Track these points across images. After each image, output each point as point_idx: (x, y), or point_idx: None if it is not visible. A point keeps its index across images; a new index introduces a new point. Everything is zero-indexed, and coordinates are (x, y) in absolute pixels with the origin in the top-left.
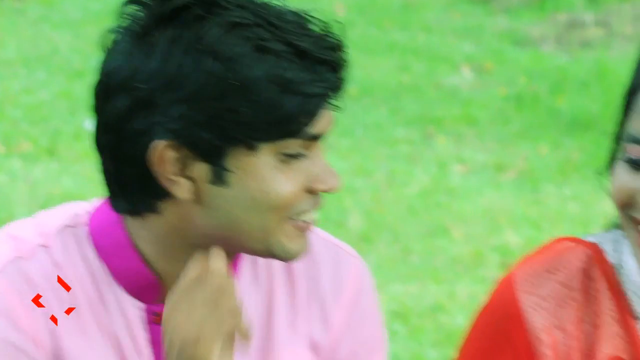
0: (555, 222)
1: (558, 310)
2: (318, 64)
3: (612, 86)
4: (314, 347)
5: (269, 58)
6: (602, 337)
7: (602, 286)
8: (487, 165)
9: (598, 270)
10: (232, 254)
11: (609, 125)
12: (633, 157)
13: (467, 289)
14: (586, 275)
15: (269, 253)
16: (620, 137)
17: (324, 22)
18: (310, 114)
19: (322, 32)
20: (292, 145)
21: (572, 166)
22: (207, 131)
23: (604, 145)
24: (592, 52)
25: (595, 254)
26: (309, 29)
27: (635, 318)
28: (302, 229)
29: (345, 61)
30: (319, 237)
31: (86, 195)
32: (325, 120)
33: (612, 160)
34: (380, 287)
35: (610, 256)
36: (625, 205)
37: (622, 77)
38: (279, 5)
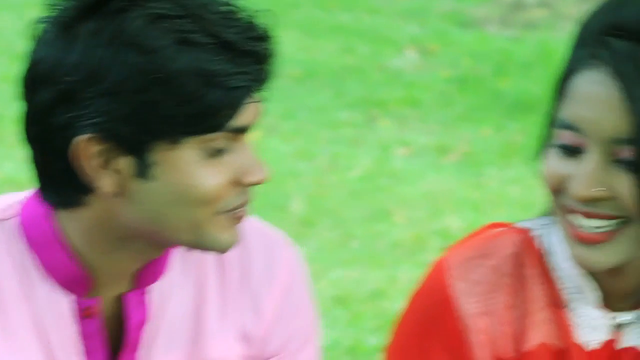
0: (497, 205)
1: (489, 296)
2: (243, 55)
3: (556, 68)
4: (245, 338)
5: (192, 50)
6: (532, 323)
7: (532, 272)
8: (430, 148)
9: (529, 256)
10: (162, 246)
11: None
12: (564, 143)
13: (408, 274)
14: (517, 261)
15: (199, 246)
16: (553, 122)
17: (251, 11)
18: (234, 107)
19: (248, 23)
20: (217, 138)
21: (515, 149)
22: (130, 125)
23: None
24: (536, 33)
25: (527, 239)
26: (235, 20)
27: (565, 304)
28: (234, 221)
29: (272, 51)
30: (252, 225)
31: (28, 180)
32: (250, 112)
33: (544, 146)
34: (321, 272)
35: (542, 242)
36: (556, 191)
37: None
38: None
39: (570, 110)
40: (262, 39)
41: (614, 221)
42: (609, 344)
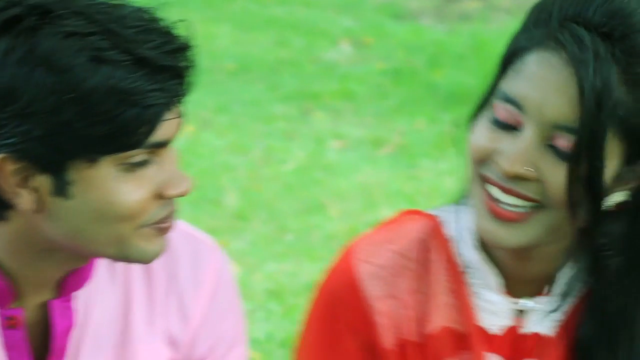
0: (431, 197)
1: (394, 279)
2: (159, 71)
3: (489, 59)
4: (173, 342)
5: (106, 68)
6: (435, 307)
7: (438, 257)
8: (364, 140)
9: (434, 242)
10: (86, 257)
11: None
12: (501, 116)
13: None
14: (424, 247)
15: (124, 258)
16: (490, 94)
17: (169, 23)
18: (151, 125)
19: (165, 36)
20: (136, 154)
21: (448, 140)
22: (45, 145)
23: None
24: (469, 25)
25: (434, 226)
26: (152, 33)
27: (468, 289)
28: (159, 232)
29: (190, 64)
30: (178, 229)
31: None
32: (169, 127)
33: (475, 117)
34: (255, 266)
35: (449, 228)
36: (480, 161)
37: (499, 51)
38: (122, 7)
39: (515, 86)
40: (179, 52)
41: (529, 203)
42: (511, 330)
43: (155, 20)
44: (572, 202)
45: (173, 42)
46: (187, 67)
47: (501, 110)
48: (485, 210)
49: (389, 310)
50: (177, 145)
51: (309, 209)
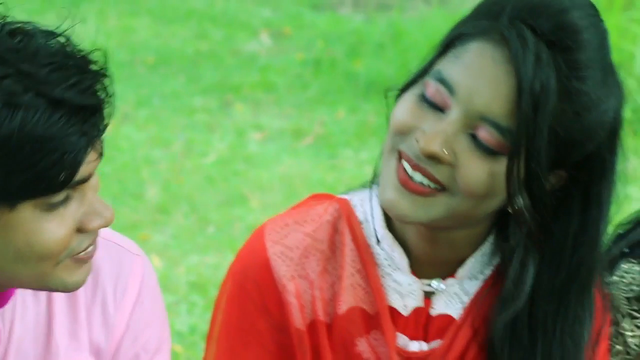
0: (352, 186)
1: (303, 260)
2: (77, 112)
3: (407, 48)
4: (97, 352)
5: (21, 114)
6: (344, 288)
7: (347, 239)
8: (285, 131)
9: (345, 224)
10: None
11: None
12: (431, 95)
13: None
14: (334, 229)
15: (47, 289)
16: (424, 72)
17: (83, 53)
18: (72, 169)
19: (80, 70)
20: (56, 195)
21: (369, 130)
22: None
23: None
24: (388, 14)
25: (345, 208)
26: (66, 69)
27: (377, 270)
28: (81, 262)
29: (108, 95)
30: (102, 237)
31: None
32: (90, 163)
33: (403, 91)
34: (178, 258)
35: (359, 211)
36: (400, 134)
37: (417, 39)
38: (32, 40)
39: (451, 69)
40: (95, 86)
41: (436, 185)
42: (419, 310)
43: (68, 52)
44: (509, 195)
45: (88, 77)
46: (104, 102)
47: (432, 88)
48: (394, 180)
49: (299, 291)
50: None
51: (230, 200)
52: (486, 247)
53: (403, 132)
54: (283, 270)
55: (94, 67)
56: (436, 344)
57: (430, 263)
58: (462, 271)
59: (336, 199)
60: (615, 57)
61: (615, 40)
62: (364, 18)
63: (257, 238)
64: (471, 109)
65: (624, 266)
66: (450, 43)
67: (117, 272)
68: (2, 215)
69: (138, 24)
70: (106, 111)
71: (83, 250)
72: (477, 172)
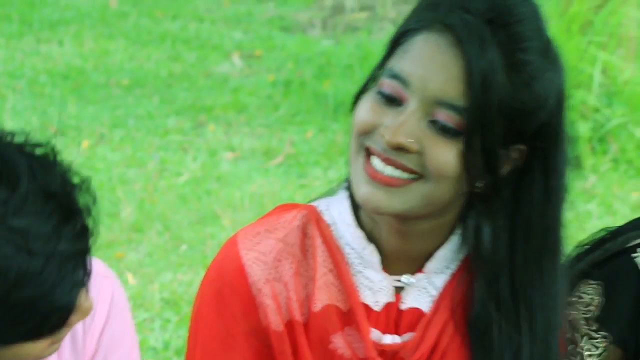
0: None
1: (276, 264)
2: (66, 262)
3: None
4: None
5: (14, 274)
6: (317, 287)
7: (317, 241)
8: (256, 151)
9: (314, 228)
10: None
11: None
12: (387, 91)
13: None
14: (303, 233)
15: None
16: (377, 73)
17: (68, 190)
18: (63, 318)
19: (68, 211)
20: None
21: (337, 149)
22: None
23: None
24: (356, 36)
25: (313, 214)
26: (55, 215)
27: (348, 268)
28: (56, 345)
29: (94, 228)
30: None
31: None
32: (81, 305)
33: (360, 94)
34: (152, 276)
35: (326, 215)
36: (364, 133)
37: None
38: (21, 183)
39: (402, 64)
40: (83, 228)
41: (408, 174)
42: (390, 305)
43: (54, 192)
44: (468, 175)
45: (77, 221)
46: (92, 236)
47: (387, 85)
48: (365, 176)
49: (275, 293)
50: (74, 159)
51: (203, 219)
52: (453, 241)
53: (367, 131)
54: (258, 274)
55: (81, 202)
56: (408, 336)
57: (401, 259)
58: (430, 265)
59: (303, 206)
60: (575, 78)
61: (574, 62)
62: (332, 40)
63: (231, 247)
64: (427, 96)
65: (583, 287)
66: (397, 42)
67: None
68: None
69: (113, 47)
70: (91, 241)
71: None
72: (445, 154)
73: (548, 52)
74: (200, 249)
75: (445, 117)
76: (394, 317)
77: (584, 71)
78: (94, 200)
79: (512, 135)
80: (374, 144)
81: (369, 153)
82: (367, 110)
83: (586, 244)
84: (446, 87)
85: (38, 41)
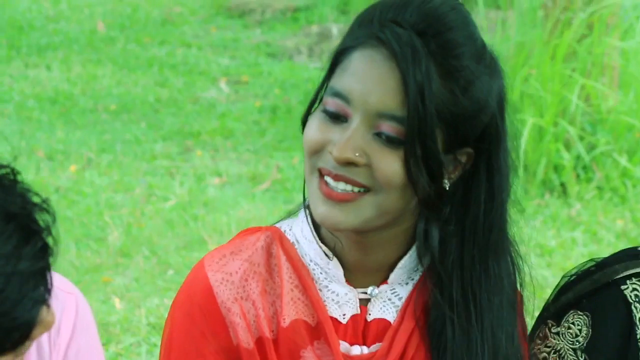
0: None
1: (244, 283)
2: (27, 281)
3: None
4: None
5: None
6: (285, 303)
7: (282, 260)
8: (243, 176)
9: (278, 247)
10: None
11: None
12: (330, 109)
13: None
14: (268, 253)
15: None
16: (320, 93)
17: (28, 210)
18: (24, 336)
19: (28, 231)
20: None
21: None
22: None
23: None
24: None
25: (276, 234)
26: (16, 235)
27: (313, 284)
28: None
29: (54, 246)
30: None
31: None
32: (41, 322)
33: (307, 115)
34: (138, 300)
35: (289, 234)
36: (314, 152)
37: None
38: None
39: (342, 81)
40: (43, 246)
41: (359, 188)
42: (356, 317)
43: (14, 212)
44: (412, 183)
45: (37, 240)
46: (52, 254)
47: (330, 104)
48: (320, 195)
49: (244, 311)
50: (61, 184)
51: (190, 244)
52: (413, 251)
53: (317, 150)
54: (226, 294)
55: (41, 221)
56: (376, 347)
57: (364, 271)
58: (393, 276)
59: (266, 228)
60: (558, 105)
61: (557, 88)
62: (319, 66)
63: (198, 270)
64: (368, 110)
65: (571, 317)
66: (336, 61)
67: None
68: None
69: (101, 72)
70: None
71: None
72: (392, 164)
73: (482, 57)
74: (187, 273)
75: (388, 128)
76: (361, 329)
77: (566, 98)
78: (54, 219)
79: (458, 140)
80: (324, 163)
81: (321, 174)
82: (314, 129)
83: (573, 274)
84: (385, 99)
85: (26, 66)
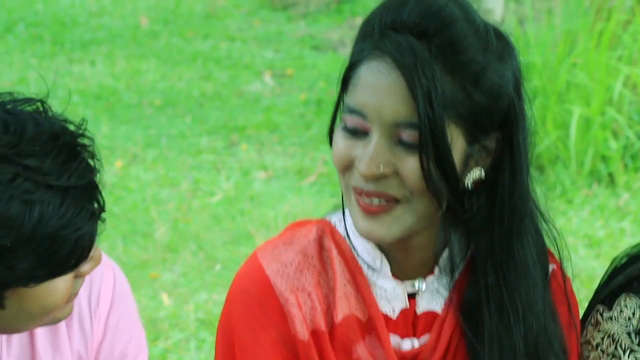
0: None
1: (299, 274)
2: (81, 194)
3: None
4: None
5: (37, 210)
6: (338, 298)
7: (334, 253)
8: (289, 170)
9: (330, 240)
10: None
11: None
12: (350, 126)
13: None
14: (320, 245)
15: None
16: (338, 110)
17: (71, 131)
18: (86, 250)
19: (72, 147)
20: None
21: None
22: None
23: None
24: None
25: (327, 227)
26: (62, 152)
27: (364, 279)
28: (70, 301)
29: (95, 157)
30: None
31: None
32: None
33: (331, 132)
34: (186, 296)
35: (340, 228)
36: (345, 170)
37: None
38: (21, 128)
39: (355, 97)
40: (87, 159)
41: (393, 199)
42: (406, 311)
43: (56, 132)
44: (431, 188)
45: (81, 154)
46: (97, 166)
47: (349, 121)
48: (358, 210)
49: (300, 302)
50: (107, 180)
51: (236, 239)
52: (455, 241)
53: (346, 167)
54: (283, 285)
55: (80, 140)
56: (425, 338)
57: (411, 265)
58: (438, 268)
59: (316, 220)
60: (604, 94)
61: (602, 77)
62: None
63: (252, 262)
64: (385, 122)
65: (623, 301)
66: (347, 77)
67: (89, 283)
68: (20, 291)
69: (145, 67)
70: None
71: (74, 295)
72: (419, 170)
73: (488, 43)
74: (235, 268)
75: (408, 135)
76: (411, 322)
77: (612, 87)
78: (93, 141)
79: (481, 130)
80: (356, 181)
81: (354, 191)
82: (340, 147)
83: (624, 257)
84: (398, 108)
85: (70, 61)
